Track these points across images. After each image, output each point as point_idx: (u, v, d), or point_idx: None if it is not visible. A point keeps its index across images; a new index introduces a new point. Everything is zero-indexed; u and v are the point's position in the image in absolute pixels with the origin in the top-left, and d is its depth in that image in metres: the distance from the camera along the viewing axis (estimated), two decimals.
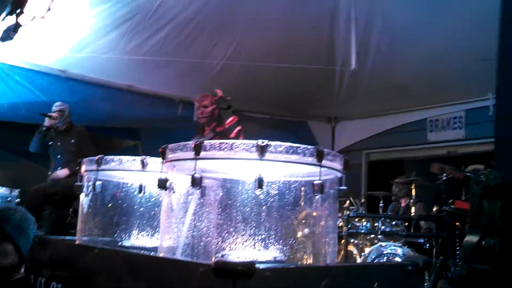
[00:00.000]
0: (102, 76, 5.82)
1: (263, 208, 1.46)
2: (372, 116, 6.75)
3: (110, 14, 4.88)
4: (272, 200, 1.47)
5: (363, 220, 4.38)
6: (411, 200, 4.61)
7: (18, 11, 4.16)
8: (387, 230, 4.24)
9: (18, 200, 3.89)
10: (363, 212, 4.68)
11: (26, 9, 4.07)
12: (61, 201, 4.53)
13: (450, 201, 3.89)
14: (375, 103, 6.45)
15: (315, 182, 1.46)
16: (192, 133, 4.22)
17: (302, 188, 1.54)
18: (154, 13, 4.96)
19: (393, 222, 4.36)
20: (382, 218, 4.26)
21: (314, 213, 1.56)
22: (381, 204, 4.49)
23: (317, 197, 1.49)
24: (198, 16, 5.11)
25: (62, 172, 4.63)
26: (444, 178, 3.76)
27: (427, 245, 4.31)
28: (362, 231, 4.35)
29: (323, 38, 5.39)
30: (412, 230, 4.58)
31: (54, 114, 4.75)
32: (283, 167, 1.51)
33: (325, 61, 5.67)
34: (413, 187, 4.60)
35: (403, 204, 5.38)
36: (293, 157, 1.47)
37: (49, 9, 4.17)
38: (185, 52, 5.49)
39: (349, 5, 4.91)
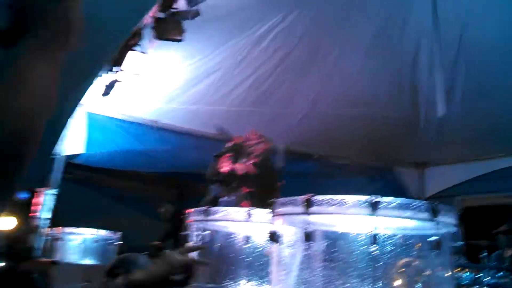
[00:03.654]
0: (190, 125, 6.16)
1: (379, 264, 1.46)
2: (465, 161, 6.44)
3: (197, 68, 5.21)
4: (387, 256, 1.47)
5: (466, 270, 4.10)
6: None
7: (116, 69, 4.60)
8: (492, 282, 3.95)
9: (120, 242, 4.11)
10: (465, 262, 4.39)
11: (123, 66, 4.49)
12: None
13: None
14: (466, 147, 6.17)
15: (431, 238, 1.45)
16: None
17: (417, 244, 1.53)
18: (238, 66, 5.24)
19: (499, 273, 4.05)
20: (487, 270, 3.98)
21: (429, 270, 1.53)
22: (484, 254, 4.21)
23: (433, 253, 1.47)
24: (279, 67, 5.30)
25: None
26: None
27: None
28: (465, 282, 4.07)
29: (406, 84, 5.34)
30: None
31: None
32: (395, 222, 1.51)
33: (409, 105, 5.58)
34: None
35: (508, 254, 4.97)
36: (406, 213, 1.47)
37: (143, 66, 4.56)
38: (267, 101, 5.68)
39: (433, 50, 4.85)
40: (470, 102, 5.25)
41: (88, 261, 3.83)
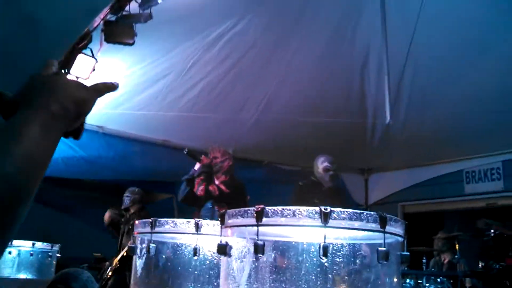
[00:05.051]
0: (138, 131, 5.98)
1: (329, 275, 1.44)
2: (407, 168, 6.67)
3: (146, 72, 5.07)
4: (337, 267, 1.45)
5: (407, 277, 4.22)
6: (455, 256, 4.44)
7: (64, 72, 4.37)
8: (432, 287, 4.07)
9: (58, 255, 3.89)
10: (405, 268, 4.52)
11: (72, 70, 4.27)
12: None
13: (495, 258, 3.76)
14: (409, 154, 6.39)
15: (379, 249, 1.44)
16: None
17: (366, 255, 1.52)
18: (188, 71, 5.14)
19: (438, 279, 4.19)
20: (426, 275, 4.10)
21: (378, 279, 1.53)
22: (424, 260, 4.34)
23: (381, 263, 1.46)
24: (231, 73, 5.25)
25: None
26: (492, 234, 3.65)
27: None
28: None
29: (355, 91, 5.46)
30: None
31: None
32: (345, 232, 1.50)
33: (356, 113, 5.71)
34: (456, 242, 4.45)
35: (446, 260, 5.18)
36: (357, 224, 1.46)
37: (93, 70, 4.37)
38: (218, 107, 5.62)
39: (381, 59, 4.99)
40: (415, 109, 5.44)
41: (23, 275, 3.59)
